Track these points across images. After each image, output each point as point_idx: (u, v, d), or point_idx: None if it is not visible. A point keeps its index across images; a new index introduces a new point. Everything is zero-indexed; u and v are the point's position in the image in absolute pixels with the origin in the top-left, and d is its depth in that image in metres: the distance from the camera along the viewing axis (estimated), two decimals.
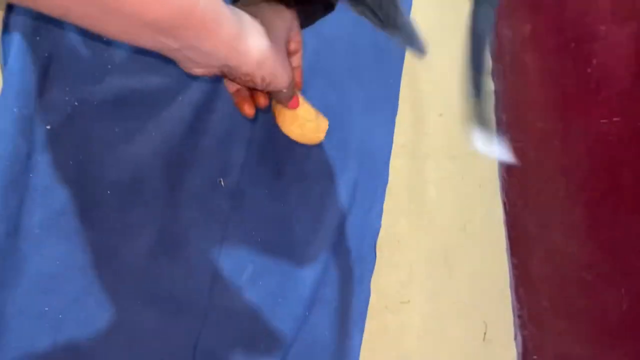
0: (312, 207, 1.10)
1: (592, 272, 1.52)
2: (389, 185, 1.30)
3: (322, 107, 1.19)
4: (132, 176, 0.83)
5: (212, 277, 0.93)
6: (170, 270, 0.87)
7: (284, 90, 0.68)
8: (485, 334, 1.57)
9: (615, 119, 1.44)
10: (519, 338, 1.73)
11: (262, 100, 0.74)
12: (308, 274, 1.07)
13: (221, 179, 0.95)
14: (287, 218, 1.06)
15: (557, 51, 1.61)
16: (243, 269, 0.98)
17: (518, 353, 1.70)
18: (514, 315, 1.72)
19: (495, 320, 1.61)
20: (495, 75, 1.79)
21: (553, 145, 1.62)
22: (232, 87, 0.76)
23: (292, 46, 0.76)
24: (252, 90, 0.74)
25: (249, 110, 0.73)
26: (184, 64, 0.61)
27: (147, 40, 0.54)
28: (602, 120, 1.46)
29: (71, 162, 0.77)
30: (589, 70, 1.50)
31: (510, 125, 1.74)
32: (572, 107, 1.56)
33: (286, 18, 0.71)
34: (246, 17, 0.63)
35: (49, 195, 0.75)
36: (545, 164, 1.65)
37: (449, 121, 1.51)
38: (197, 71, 0.63)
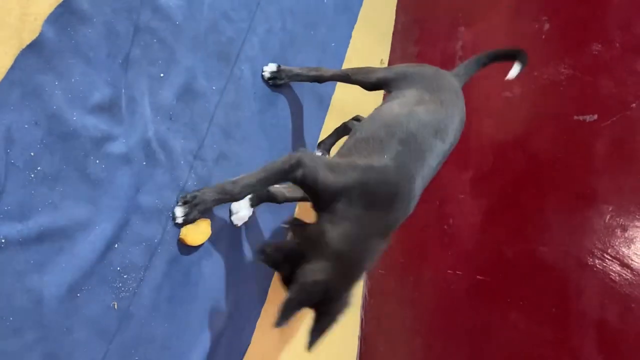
0: (192, 327, 1.21)
1: None
2: (267, 303, 1.44)
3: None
4: (33, 304, 0.89)
5: None
6: None
7: None
8: None
9: (458, 272, 1.75)
10: None
11: None
12: None
13: (115, 303, 1.03)
14: (168, 338, 1.15)
15: (427, 204, 1.92)
16: None
17: None
18: None
19: None
20: None
21: (408, 280, 1.90)
22: None
23: None
24: None
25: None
26: None
27: None
28: (448, 271, 1.76)
29: None
30: (445, 227, 1.82)
31: None
32: (429, 254, 1.86)
33: None
34: None
35: None
36: (400, 294, 1.92)
37: None
38: None
